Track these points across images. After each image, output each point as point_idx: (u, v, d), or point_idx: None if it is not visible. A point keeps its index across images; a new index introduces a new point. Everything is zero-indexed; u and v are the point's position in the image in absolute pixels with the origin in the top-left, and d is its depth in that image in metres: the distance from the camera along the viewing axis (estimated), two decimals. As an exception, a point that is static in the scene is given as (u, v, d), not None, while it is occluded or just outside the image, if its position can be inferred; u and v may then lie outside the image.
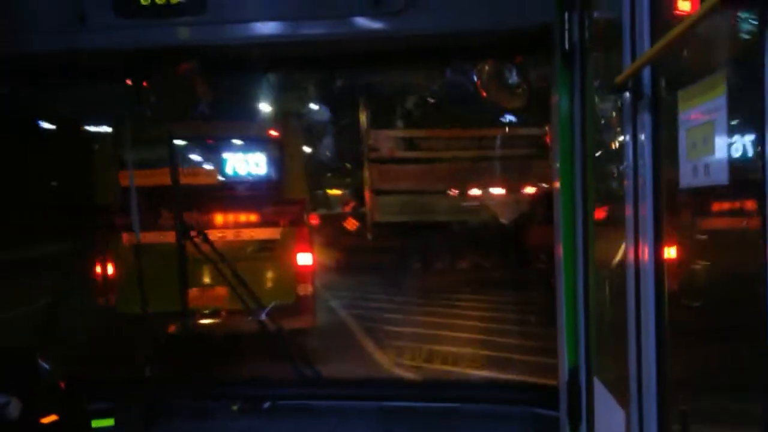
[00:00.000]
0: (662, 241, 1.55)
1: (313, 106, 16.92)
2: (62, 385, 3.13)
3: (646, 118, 1.59)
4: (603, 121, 2.39)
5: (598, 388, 2.20)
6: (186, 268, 6.73)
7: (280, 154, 7.82)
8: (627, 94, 1.70)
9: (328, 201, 22.63)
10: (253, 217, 7.60)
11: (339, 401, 3.32)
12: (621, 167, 1.82)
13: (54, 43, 2.81)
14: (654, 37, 1.53)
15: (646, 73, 1.59)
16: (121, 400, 3.23)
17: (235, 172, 7.69)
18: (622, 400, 1.82)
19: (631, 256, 1.71)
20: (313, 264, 7.72)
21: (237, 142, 7.97)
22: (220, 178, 7.63)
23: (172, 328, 6.94)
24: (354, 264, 14.97)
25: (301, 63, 3.37)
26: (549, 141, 3.06)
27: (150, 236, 7.13)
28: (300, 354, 3.84)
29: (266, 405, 3.26)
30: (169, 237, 7.01)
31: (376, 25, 2.70)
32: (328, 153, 21.07)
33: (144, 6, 2.71)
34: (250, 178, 7.70)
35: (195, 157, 8.13)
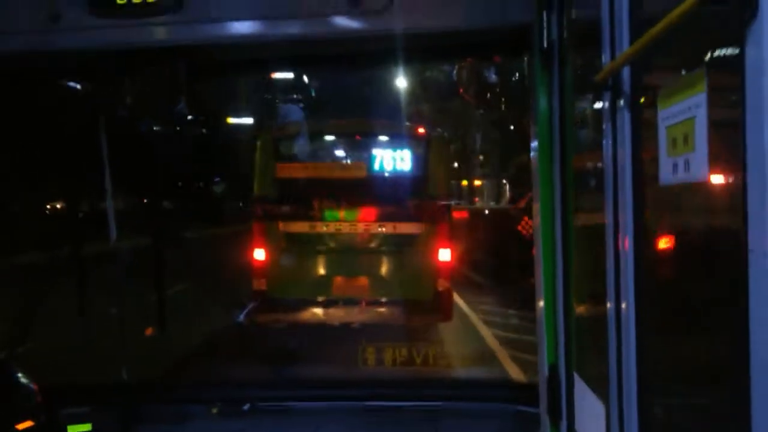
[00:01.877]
0: (642, 238, 1.56)
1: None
2: (37, 390, 3.07)
3: (625, 116, 1.60)
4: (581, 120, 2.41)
5: (578, 383, 2.21)
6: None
7: (426, 151, 7.94)
8: (606, 93, 1.72)
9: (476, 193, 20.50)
10: (396, 212, 7.72)
11: (320, 402, 3.31)
12: (600, 165, 1.83)
13: (27, 43, 2.75)
14: (633, 35, 1.54)
15: (626, 71, 1.60)
16: (98, 405, 3.18)
17: (382, 168, 7.83)
18: (603, 394, 1.83)
19: (611, 254, 1.72)
20: (452, 260, 7.78)
21: (385, 139, 8.13)
22: (367, 173, 7.77)
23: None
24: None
25: (281, 63, 3.35)
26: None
27: (299, 226, 7.69)
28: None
29: (246, 407, 3.23)
30: (317, 227, 7.63)
31: (356, 24, 2.69)
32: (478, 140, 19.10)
33: (120, 5, 2.66)
34: (396, 174, 7.81)
35: (345, 152, 8.43)
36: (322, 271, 7.71)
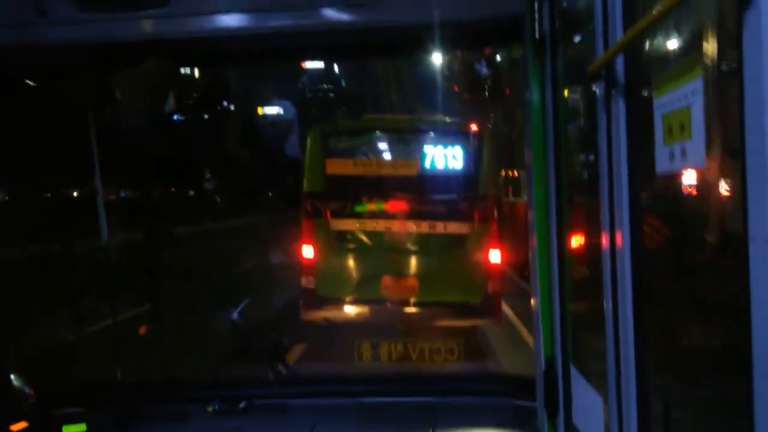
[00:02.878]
0: (640, 231, 1.55)
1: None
2: (31, 391, 3.04)
3: (620, 106, 1.58)
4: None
5: (575, 376, 2.20)
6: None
7: (479, 148, 7.67)
8: (600, 83, 1.70)
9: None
10: (447, 211, 7.51)
11: (316, 398, 3.30)
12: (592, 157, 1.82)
13: (14, 38, 2.72)
14: (626, 24, 1.53)
15: (620, 60, 1.58)
16: (93, 405, 3.16)
17: (434, 165, 7.58)
18: (601, 387, 1.83)
19: (606, 242, 1.71)
20: (502, 261, 7.57)
21: (437, 135, 7.86)
22: (419, 170, 7.57)
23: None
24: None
25: (270, 55, 3.32)
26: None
27: (349, 224, 7.55)
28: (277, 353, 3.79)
29: (242, 405, 3.22)
30: (367, 225, 7.51)
31: (344, 16, 2.67)
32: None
33: None
34: (447, 171, 7.57)
35: (396, 148, 8.11)
36: (371, 270, 7.56)
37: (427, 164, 7.56)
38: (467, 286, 7.43)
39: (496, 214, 7.73)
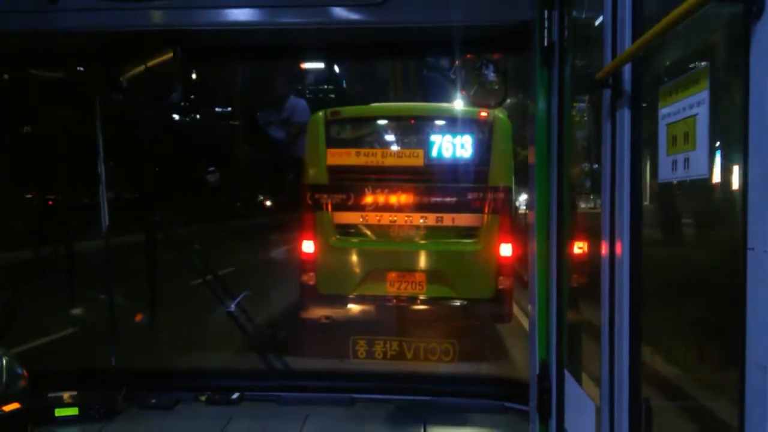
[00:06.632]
0: (640, 237, 1.56)
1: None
2: (25, 373, 3.06)
3: (625, 114, 1.60)
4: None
5: (569, 381, 2.21)
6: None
7: (489, 137, 7.22)
8: (606, 91, 1.71)
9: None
10: (455, 203, 7.17)
11: (310, 393, 3.31)
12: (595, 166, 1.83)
13: (24, 23, 2.74)
14: (635, 34, 1.54)
15: (627, 69, 1.60)
16: (85, 390, 3.18)
17: (441, 155, 7.18)
18: (593, 393, 1.84)
19: (606, 251, 1.72)
20: (513, 255, 7.22)
21: (444, 123, 7.49)
22: (425, 160, 7.19)
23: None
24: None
25: (280, 51, 3.33)
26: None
27: (351, 217, 7.24)
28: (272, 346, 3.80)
29: (235, 396, 3.24)
30: (371, 219, 7.18)
31: (355, 16, 2.68)
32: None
33: None
34: (456, 161, 7.15)
35: (401, 138, 7.75)
36: (375, 266, 7.24)
37: (435, 153, 7.19)
38: (477, 282, 7.15)
39: (509, 206, 7.28)
